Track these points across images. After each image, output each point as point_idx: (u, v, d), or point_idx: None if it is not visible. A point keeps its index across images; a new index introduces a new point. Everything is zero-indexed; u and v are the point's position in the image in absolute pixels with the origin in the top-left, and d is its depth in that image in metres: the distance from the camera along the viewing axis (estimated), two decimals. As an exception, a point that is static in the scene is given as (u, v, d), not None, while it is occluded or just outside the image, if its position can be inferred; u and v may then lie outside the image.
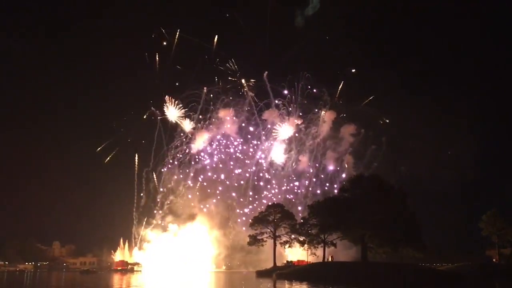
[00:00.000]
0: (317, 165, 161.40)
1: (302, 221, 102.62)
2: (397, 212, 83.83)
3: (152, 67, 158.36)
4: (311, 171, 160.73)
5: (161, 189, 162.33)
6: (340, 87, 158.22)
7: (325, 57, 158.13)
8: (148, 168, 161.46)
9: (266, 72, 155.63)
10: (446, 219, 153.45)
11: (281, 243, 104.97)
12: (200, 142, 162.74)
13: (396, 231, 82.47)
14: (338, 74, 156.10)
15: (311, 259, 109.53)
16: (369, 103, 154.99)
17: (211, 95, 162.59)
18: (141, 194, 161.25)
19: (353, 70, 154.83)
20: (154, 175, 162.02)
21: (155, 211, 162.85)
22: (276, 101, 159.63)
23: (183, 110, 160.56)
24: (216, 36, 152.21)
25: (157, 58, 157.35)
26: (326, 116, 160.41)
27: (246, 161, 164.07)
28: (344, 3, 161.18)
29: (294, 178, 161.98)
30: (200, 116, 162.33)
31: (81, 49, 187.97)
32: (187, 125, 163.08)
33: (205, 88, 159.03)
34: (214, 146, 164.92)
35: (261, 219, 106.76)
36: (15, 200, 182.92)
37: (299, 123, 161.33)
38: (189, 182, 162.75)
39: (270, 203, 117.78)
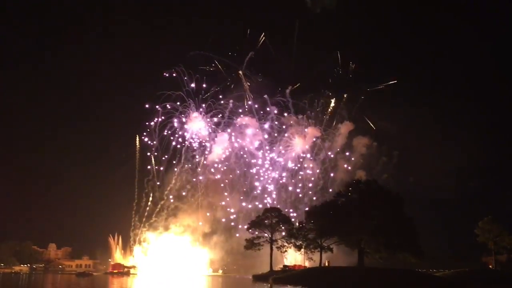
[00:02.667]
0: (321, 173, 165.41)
1: (299, 225, 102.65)
2: (394, 217, 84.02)
3: (180, 79, 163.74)
4: (321, 182, 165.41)
5: (167, 195, 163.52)
6: (358, 102, 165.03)
7: (345, 74, 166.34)
8: (149, 176, 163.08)
9: (290, 87, 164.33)
10: (443, 225, 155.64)
11: (277, 247, 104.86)
12: (216, 153, 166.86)
13: (393, 237, 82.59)
14: (357, 90, 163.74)
15: (308, 263, 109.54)
16: (383, 117, 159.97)
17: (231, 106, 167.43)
18: (150, 199, 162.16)
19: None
20: (161, 179, 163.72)
21: (156, 216, 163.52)
22: (295, 116, 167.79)
23: (205, 120, 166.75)
24: (249, 55, 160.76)
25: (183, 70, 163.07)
26: (342, 129, 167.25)
27: (260, 171, 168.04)
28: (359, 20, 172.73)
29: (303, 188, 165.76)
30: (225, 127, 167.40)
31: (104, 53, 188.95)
32: (206, 131, 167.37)
33: (230, 101, 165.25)
34: (231, 158, 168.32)
35: (258, 223, 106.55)
36: (11, 201, 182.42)
37: (317, 136, 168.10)
38: (198, 181, 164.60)
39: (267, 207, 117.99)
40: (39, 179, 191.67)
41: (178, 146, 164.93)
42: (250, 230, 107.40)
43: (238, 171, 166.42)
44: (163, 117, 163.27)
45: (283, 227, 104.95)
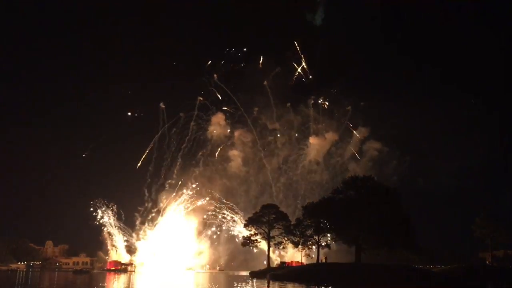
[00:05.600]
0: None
1: (296, 222, 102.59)
2: (391, 213, 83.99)
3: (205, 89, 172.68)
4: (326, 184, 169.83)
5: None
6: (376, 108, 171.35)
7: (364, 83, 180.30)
8: (156, 179, 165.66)
9: (313, 97, 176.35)
10: (440, 222, 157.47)
11: (275, 244, 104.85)
12: (237, 162, 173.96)
13: (390, 233, 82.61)
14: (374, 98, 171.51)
15: (305, 260, 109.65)
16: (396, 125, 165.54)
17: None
18: (160, 205, 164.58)
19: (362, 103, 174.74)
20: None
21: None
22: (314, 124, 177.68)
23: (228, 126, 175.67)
24: (276, 70, 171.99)
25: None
26: (357, 135, 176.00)
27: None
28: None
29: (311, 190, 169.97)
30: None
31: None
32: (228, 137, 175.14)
33: (256, 108, 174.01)
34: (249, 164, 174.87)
35: (256, 219, 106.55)
36: (8, 199, 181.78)
37: (333, 141, 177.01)
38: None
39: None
40: (37, 176, 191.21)
41: (199, 152, 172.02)
42: (247, 227, 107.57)
43: (253, 178, 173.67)
44: (186, 124, 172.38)
45: (280, 224, 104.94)
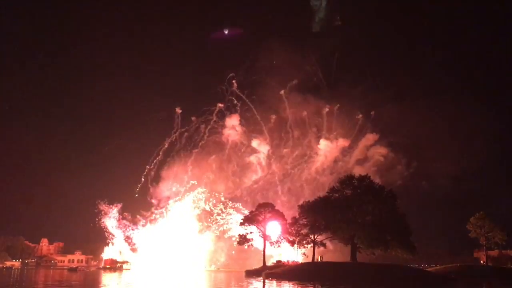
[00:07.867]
0: None
1: (292, 221, 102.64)
2: (387, 213, 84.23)
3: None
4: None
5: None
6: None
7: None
8: (164, 181, 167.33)
9: (327, 106, 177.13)
10: (436, 222, 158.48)
11: (270, 243, 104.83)
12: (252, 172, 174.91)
13: (386, 232, 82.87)
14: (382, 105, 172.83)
15: (301, 259, 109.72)
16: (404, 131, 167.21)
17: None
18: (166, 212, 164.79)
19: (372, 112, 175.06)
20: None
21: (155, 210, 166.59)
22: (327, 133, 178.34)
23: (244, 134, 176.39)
24: (294, 81, 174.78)
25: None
26: (365, 141, 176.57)
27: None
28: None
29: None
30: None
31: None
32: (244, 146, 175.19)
33: (273, 116, 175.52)
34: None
35: (251, 218, 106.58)
36: (3, 196, 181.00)
37: (344, 148, 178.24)
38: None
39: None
40: (32, 174, 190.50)
41: (210, 157, 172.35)
42: (243, 226, 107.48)
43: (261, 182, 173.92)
44: (200, 129, 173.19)
45: (276, 222, 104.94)
